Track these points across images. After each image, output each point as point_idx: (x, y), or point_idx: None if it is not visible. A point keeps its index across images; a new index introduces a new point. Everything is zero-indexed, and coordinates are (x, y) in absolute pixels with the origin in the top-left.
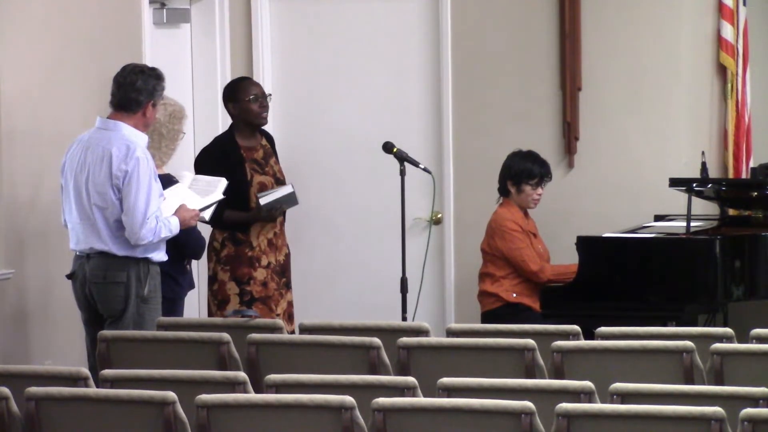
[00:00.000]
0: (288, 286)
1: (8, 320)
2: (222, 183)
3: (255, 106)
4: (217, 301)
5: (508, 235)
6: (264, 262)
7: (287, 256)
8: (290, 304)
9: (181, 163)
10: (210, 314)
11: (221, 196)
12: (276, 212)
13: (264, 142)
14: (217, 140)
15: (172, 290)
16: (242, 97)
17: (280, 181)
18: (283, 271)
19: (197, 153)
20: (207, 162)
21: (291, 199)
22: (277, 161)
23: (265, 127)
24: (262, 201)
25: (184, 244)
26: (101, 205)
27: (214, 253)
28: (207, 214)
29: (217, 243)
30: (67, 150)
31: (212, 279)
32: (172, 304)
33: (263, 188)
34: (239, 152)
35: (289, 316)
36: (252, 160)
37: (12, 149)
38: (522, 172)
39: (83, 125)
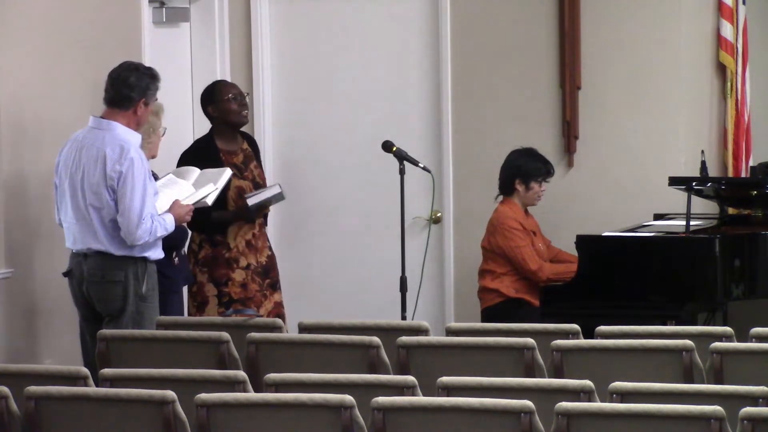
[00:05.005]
0: (274, 287)
1: (8, 319)
2: (227, 173)
3: (234, 105)
4: (197, 303)
5: (508, 233)
6: (243, 263)
7: (270, 257)
8: (278, 305)
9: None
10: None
11: (222, 186)
12: (263, 210)
13: (245, 146)
14: (197, 143)
15: (160, 283)
16: (220, 97)
17: (259, 186)
18: (266, 272)
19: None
20: (186, 165)
21: (278, 198)
22: (258, 165)
23: (264, 126)
24: (250, 202)
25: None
26: (97, 206)
27: (192, 255)
28: (210, 200)
29: (195, 245)
30: (61, 149)
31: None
32: (163, 297)
33: (241, 193)
34: (219, 156)
35: (278, 317)
36: (231, 164)
37: (12, 148)
38: (532, 170)
39: (83, 124)
